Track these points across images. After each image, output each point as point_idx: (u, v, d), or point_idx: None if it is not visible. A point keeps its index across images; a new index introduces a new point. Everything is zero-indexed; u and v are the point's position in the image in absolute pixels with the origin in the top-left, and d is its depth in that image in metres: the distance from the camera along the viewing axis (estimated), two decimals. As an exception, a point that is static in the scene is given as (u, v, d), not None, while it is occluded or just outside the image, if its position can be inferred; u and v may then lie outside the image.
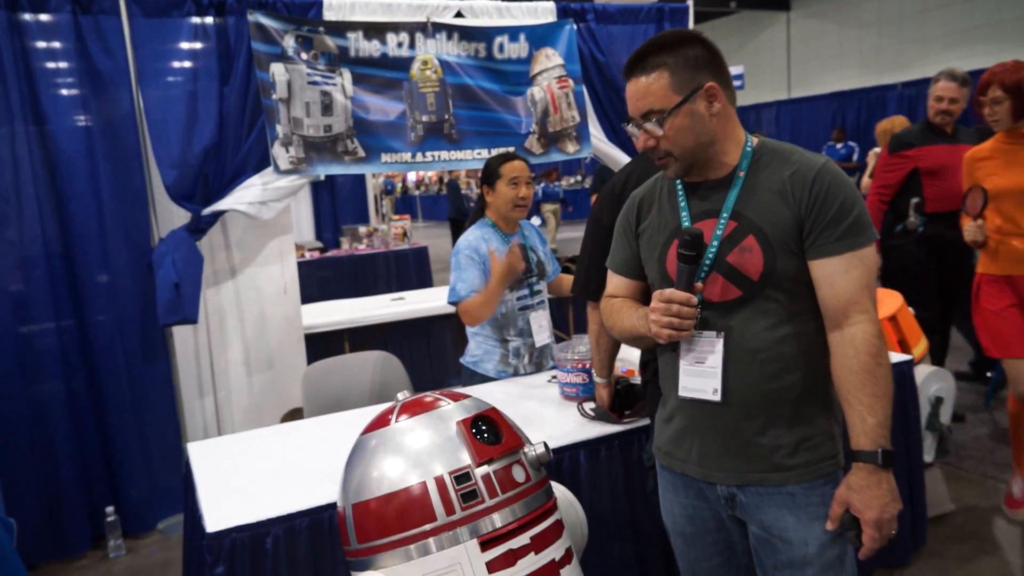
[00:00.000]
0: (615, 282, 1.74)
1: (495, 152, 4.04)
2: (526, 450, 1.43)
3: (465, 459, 1.34)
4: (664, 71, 1.48)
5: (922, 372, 3.05)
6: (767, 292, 1.47)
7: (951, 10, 13.63)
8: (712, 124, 1.51)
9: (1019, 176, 3.02)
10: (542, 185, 14.48)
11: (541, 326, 2.96)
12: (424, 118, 3.90)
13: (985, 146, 3.13)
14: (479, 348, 2.94)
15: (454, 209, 13.49)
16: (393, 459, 1.36)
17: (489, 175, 2.92)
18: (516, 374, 2.92)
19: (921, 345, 3.24)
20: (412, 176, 26.61)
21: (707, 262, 1.50)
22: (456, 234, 13.40)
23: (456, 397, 1.47)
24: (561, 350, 2.59)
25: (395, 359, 3.07)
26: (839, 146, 11.56)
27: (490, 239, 2.85)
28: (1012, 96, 2.99)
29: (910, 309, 3.29)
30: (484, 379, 2.90)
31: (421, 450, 1.35)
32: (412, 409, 1.43)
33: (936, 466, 3.23)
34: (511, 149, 4.09)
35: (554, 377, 2.79)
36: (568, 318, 5.20)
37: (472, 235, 2.88)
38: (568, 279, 3.21)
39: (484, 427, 1.40)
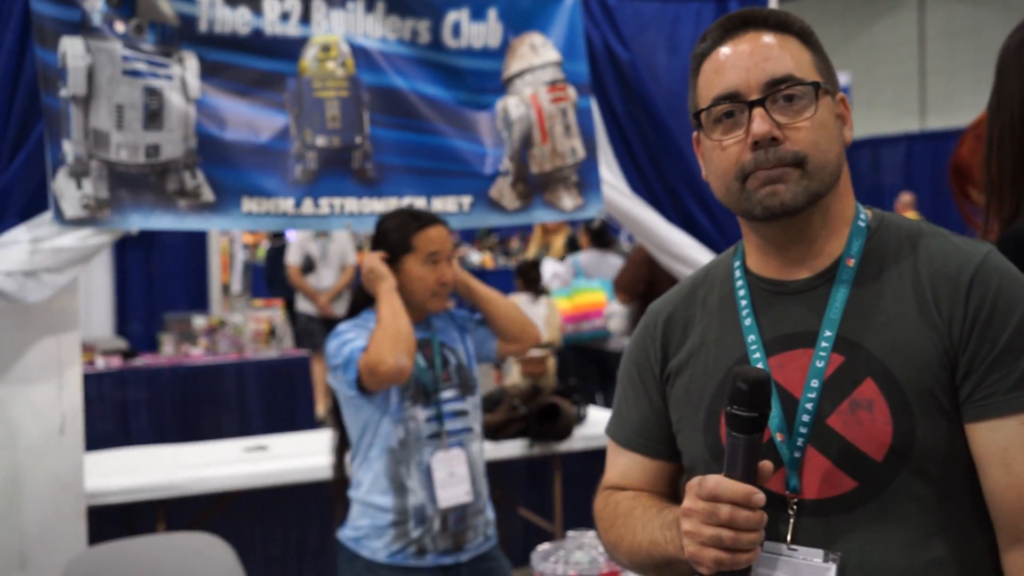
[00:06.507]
0: (621, 464, 1.78)
1: (436, 203, 4.08)
2: None
3: None
4: (798, 40, 1.58)
5: None
6: (901, 482, 1.47)
7: None
8: (840, 157, 1.58)
9: None
10: None
11: (453, 474, 3.02)
12: (320, 141, 3.92)
13: None
14: (363, 515, 3.03)
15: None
16: None
17: (393, 245, 3.07)
18: (422, 554, 2.96)
19: None
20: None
21: (801, 428, 1.50)
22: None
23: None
24: (544, 558, 2.60)
25: (224, 547, 3.10)
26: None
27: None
28: None
29: None
30: (368, 568, 2.96)
31: None
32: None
33: None
34: (465, 200, 4.13)
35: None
36: (553, 490, 5.12)
37: (350, 325, 3.14)
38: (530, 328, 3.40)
39: None
